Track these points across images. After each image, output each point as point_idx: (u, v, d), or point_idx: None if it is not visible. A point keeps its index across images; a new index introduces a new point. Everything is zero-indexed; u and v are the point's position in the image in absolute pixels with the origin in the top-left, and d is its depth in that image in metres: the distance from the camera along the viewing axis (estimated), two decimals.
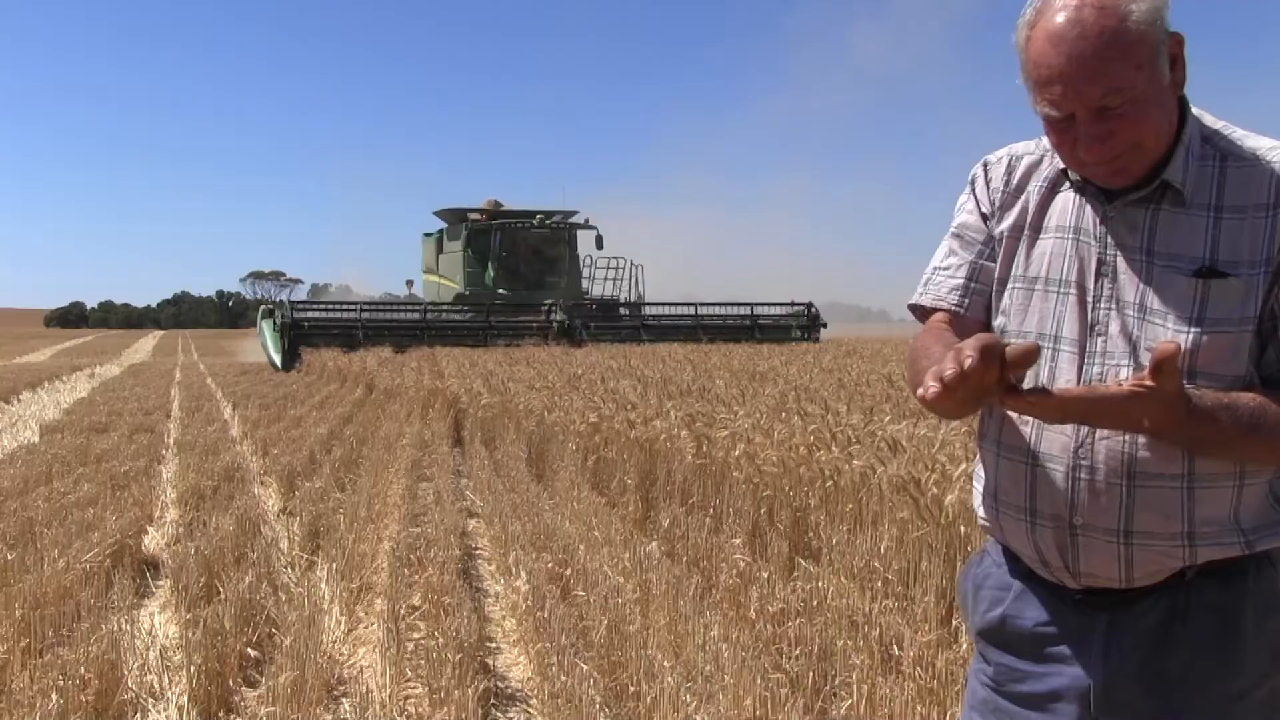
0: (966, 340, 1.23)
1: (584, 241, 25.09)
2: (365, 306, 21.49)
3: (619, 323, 22.53)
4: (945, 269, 1.55)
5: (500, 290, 23.31)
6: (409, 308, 22.95)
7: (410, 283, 27.48)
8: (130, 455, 8.10)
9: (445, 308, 22.24)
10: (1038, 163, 1.49)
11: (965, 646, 3.20)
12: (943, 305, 1.54)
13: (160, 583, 4.74)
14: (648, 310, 22.95)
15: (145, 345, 41.64)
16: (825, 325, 23.36)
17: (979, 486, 1.54)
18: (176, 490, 6.78)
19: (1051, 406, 1.24)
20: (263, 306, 22.48)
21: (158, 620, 4.24)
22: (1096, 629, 1.40)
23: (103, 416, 11.30)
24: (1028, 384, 1.41)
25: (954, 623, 3.42)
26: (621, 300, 23.97)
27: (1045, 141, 1.48)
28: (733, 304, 23.15)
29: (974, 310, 1.55)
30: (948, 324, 1.53)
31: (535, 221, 24.35)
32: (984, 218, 1.52)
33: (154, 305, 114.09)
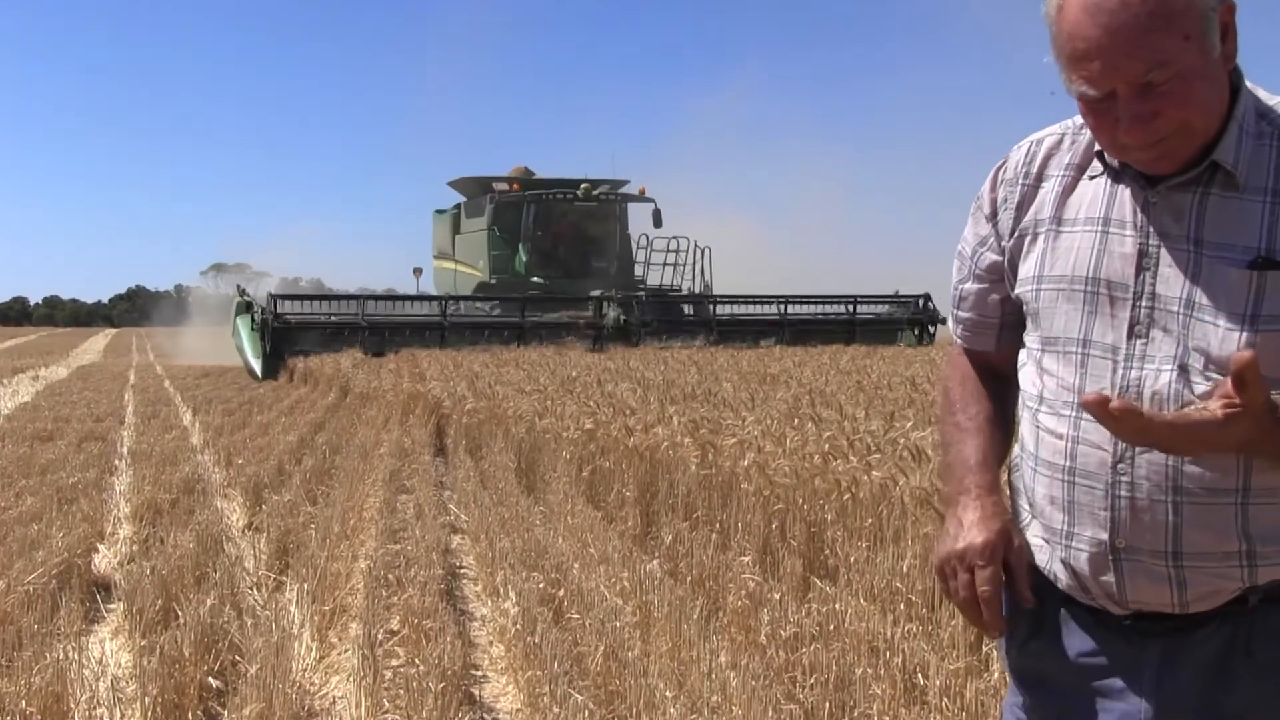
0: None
1: (636, 220, 22.45)
2: (368, 299, 18.95)
3: (687, 319, 20.05)
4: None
5: (534, 278, 20.86)
6: (422, 301, 20.35)
7: (418, 271, 24.42)
8: (79, 466, 8.10)
9: (465, 301, 19.89)
10: (1058, 145, 1.47)
11: (996, 675, 3.20)
12: (951, 331, 1.64)
13: (112, 606, 4.74)
14: (718, 302, 20.35)
15: (96, 345, 41.62)
16: (944, 321, 20.55)
17: (1018, 502, 1.52)
18: (130, 504, 6.77)
19: (1135, 428, 1.22)
20: (237, 299, 19.57)
21: (109, 647, 4.24)
22: (1148, 659, 1.38)
23: (48, 423, 11.29)
24: (1065, 389, 1.40)
25: (984, 649, 3.42)
26: (684, 291, 21.58)
27: (1070, 122, 1.46)
28: (827, 298, 20.38)
29: (968, 339, 1.60)
30: (965, 354, 1.62)
31: (579, 192, 21.67)
32: (989, 220, 1.52)
33: (105, 301, 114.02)
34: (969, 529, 1.43)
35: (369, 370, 13.64)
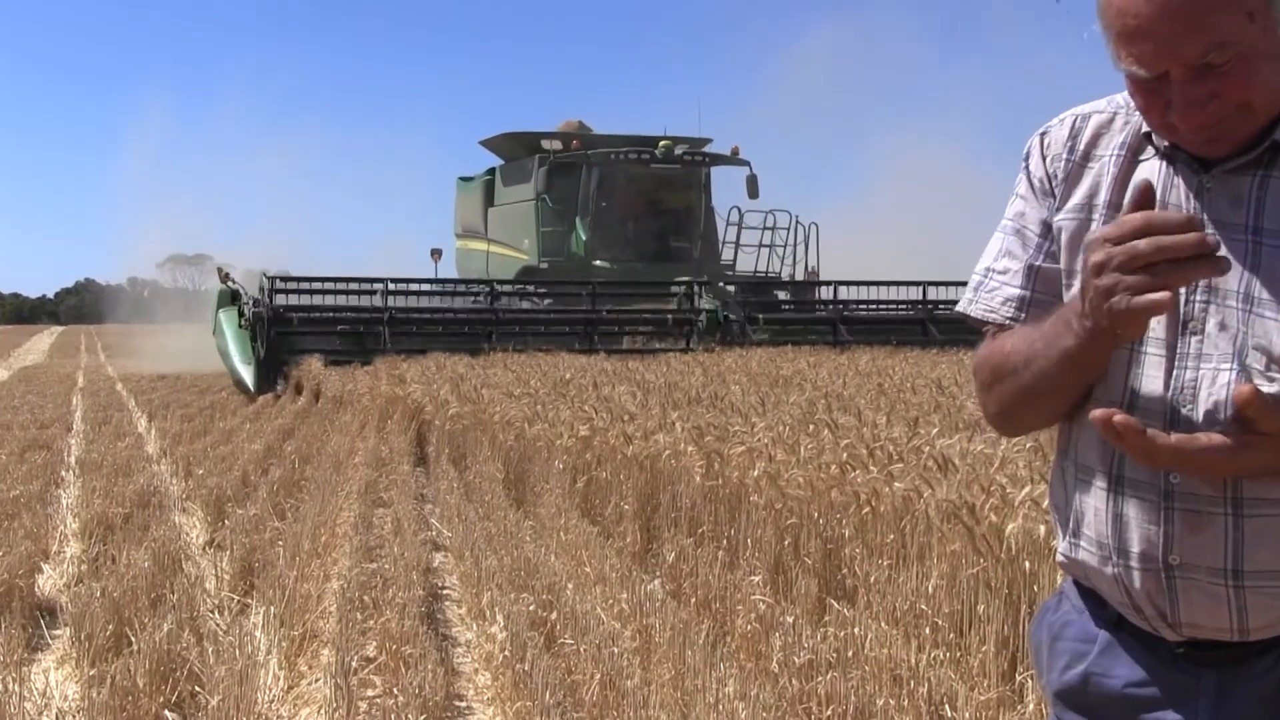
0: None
1: (720, 190, 20.15)
2: (393, 287, 16.04)
3: (806, 314, 17.65)
4: (1001, 272, 1.52)
5: (596, 261, 18.22)
6: (460, 291, 18.05)
7: (437, 253, 21.35)
8: (21, 477, 8.10)
9: (506, 289, 17.17)
10: (1108, 124, 1.46)
11: (1032, 707, 3.21)
12: (995, 318, 1.51)
13: (57, 632, 4.74)
14: (829, 293, 17.50)
15: (40, 344, 41.68)
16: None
17: (1060, 515, 1.50)
18: (79, 519, 6.78)
19: (1139, 447, 1.23)
20: (221, 288, 16.80)
21: (54, 678, 4.24)
22: (1203, 691, 1.38)
23: None
24: (1114, 389, 1.39)
25: (1017, 678, 3.42)
26: (783, 278, 19.25)
27: (1121, 99, 1.45)
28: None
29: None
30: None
31: (658, 152, 18.59)
32: (1045, 196, 1.49)
33: (51, 295, 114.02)
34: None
35: (343, 371, 13.64)
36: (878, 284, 17.84)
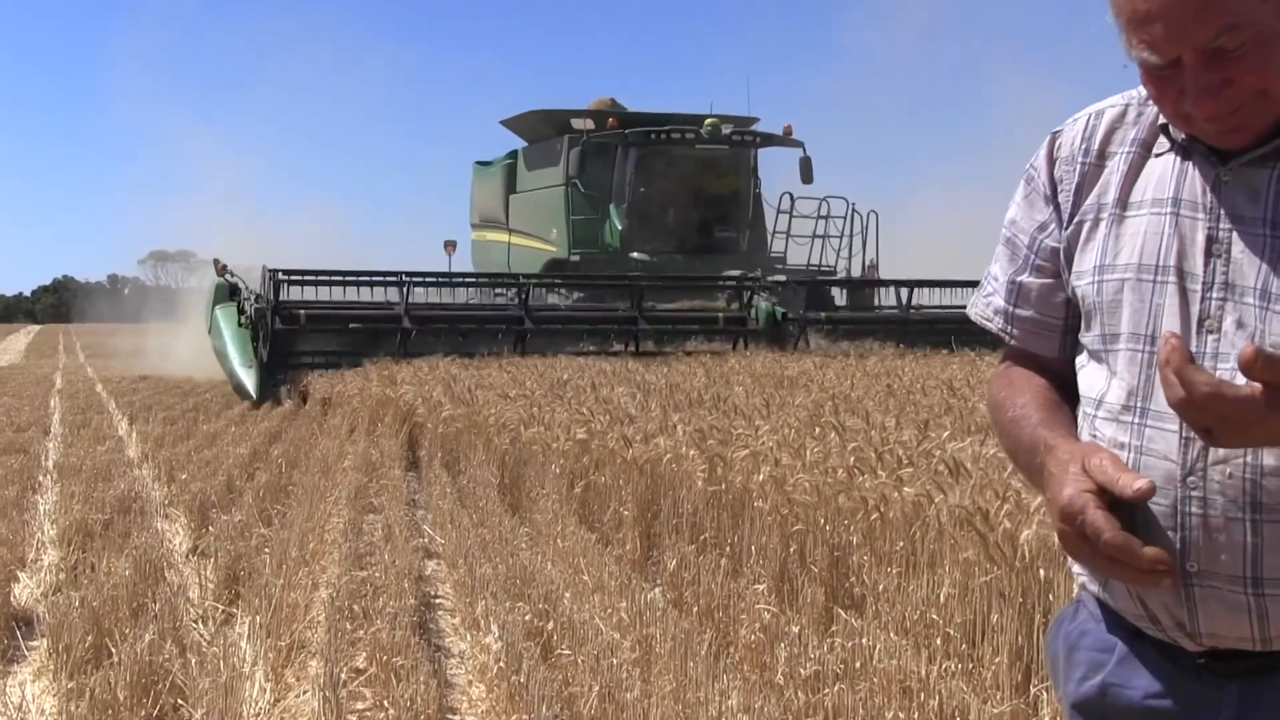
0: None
1: (767, 174, 18.61)
2: (416, 281, 14.91)
3: (870, 315, 16.35)
4: (995, 278, 1.58)
5: (633, 254, 17.01)
6: (487, 286, 17.35)
7: (451, 245, 19.94)
8: None
9: (532, 283, 15.92)
10: (1121, 118, 1.46)
11: (1047, 719, 3.21)
12: (990, 326, 1.59)
13: (34, 643, 4.74)
14: (892, 290, 16.40)
15: (16, 344, 41.72)
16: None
17: None
18: (57, 526, 6.78)
19: (1179, 376, 1.20)
20: (218, 281, 15.69)
21: (30, 691, 4.24)
22: (1225, 703, 1.38)
23: None
24: (1128, 393, 1.39)
25: (1032, 690, 3.43)
26: (839, 272, 18.02)
27: (1135, 92, 1.46)
28: None
29: (1025, 340, 1.56)
30: (1017, 357, 1.57)
31: (704, 131, 17.26)
32: (1047, 202, 1.50)
33: (27, 294, 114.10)
34: (1053, 485, 1.37)
35: (332, 372, 13.62)
36: (944, 284, 16.51)
